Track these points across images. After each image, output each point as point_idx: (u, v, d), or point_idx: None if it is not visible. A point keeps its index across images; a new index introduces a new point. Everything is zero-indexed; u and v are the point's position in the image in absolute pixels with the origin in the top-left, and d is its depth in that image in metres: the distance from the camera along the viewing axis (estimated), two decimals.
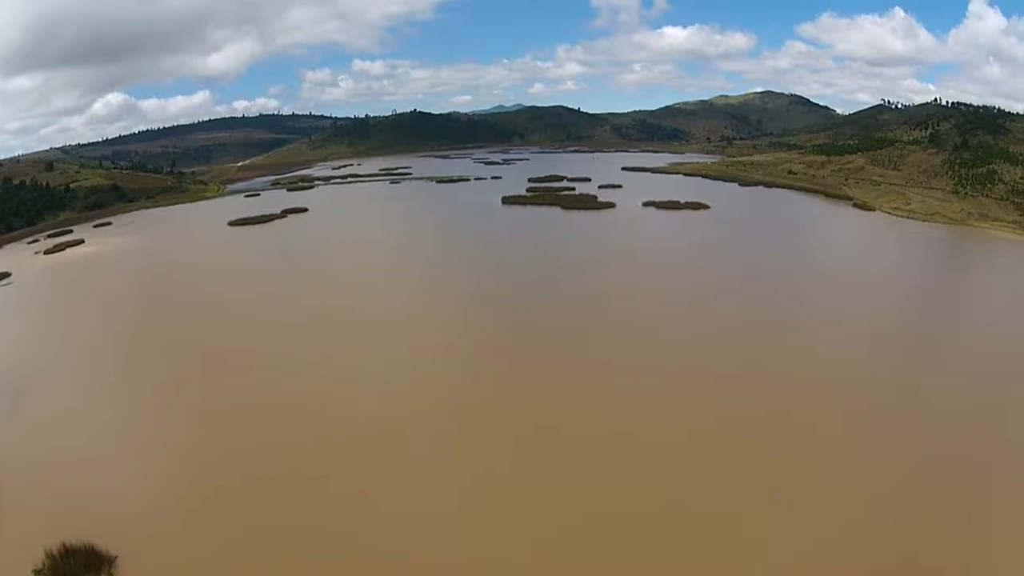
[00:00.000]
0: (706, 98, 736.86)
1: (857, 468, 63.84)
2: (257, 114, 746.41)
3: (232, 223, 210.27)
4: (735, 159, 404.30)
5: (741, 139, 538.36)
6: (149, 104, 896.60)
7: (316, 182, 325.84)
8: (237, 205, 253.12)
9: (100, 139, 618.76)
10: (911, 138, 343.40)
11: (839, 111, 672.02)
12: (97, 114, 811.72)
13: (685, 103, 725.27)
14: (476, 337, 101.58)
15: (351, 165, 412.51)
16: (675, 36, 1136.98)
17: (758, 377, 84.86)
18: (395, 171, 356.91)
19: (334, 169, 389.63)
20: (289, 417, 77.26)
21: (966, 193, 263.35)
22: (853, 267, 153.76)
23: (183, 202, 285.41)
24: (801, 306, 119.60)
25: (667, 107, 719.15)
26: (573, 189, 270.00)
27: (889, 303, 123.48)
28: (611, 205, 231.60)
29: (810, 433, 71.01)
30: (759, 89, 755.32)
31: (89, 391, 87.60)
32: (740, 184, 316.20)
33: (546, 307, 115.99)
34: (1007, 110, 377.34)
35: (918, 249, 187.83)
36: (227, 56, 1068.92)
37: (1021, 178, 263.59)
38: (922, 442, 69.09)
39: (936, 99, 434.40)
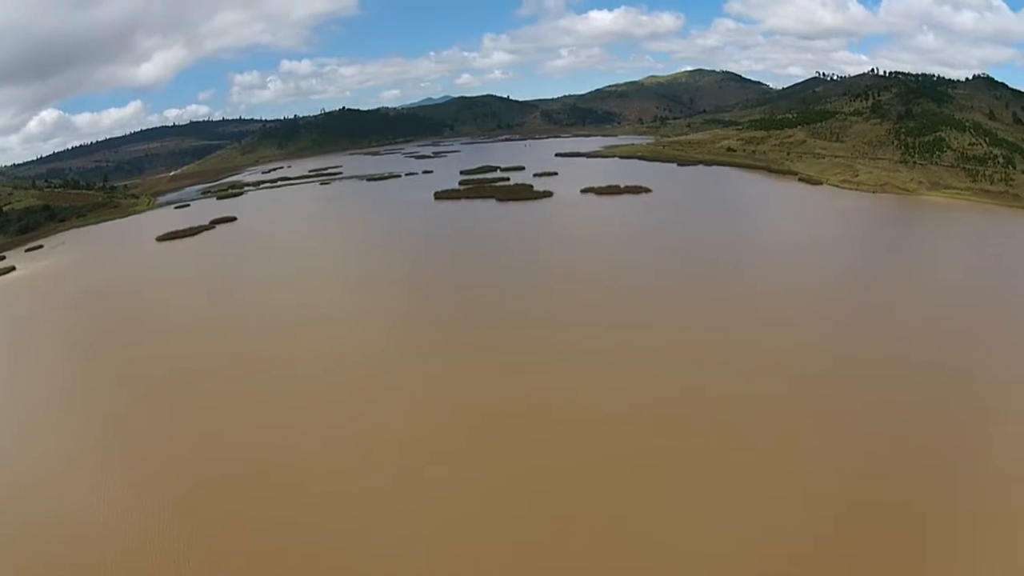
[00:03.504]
0: (636, 79, 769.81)
1: (807, 432, 73.24)
2: (188, 121, 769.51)
3: (160, 238, 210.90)
4: (670, 139, 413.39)
5: (674, 118, 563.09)
6: (83, 118, 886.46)
7: (246, 188, 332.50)
8: (167, 218, 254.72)
9: (35, 158, 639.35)
10: (852, 109, 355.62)
11: (772, 86, 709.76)
12: (32, 132, 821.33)
13: (615, 85, 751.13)
14: (414, 338, 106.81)
15: (281, 168, 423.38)
16: (602, 19, 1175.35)
17: (702, 354, 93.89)
18: (325, 171, 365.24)
19: (264, 173, 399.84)
20: (233, 422, 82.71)
21: (915, 162, 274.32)
22: (803, 241, 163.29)
23: (115, 218, 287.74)
24: (757, 284, 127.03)
25: (597, 90, 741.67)
26: (507, 179, 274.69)
27: (838, 275, 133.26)
28: (548, 194, 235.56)
29: (762, 404, 78.95)
30: (689, 68, 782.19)
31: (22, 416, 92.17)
32: (679, 164, 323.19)
33: (488, 305, 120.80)
34: (946, 77, 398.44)
35: (869, 220, 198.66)
36: (157, 64, 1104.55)
37: (969, 144, 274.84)
38: (858, 399, 79.83)
39: (872, 70, 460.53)
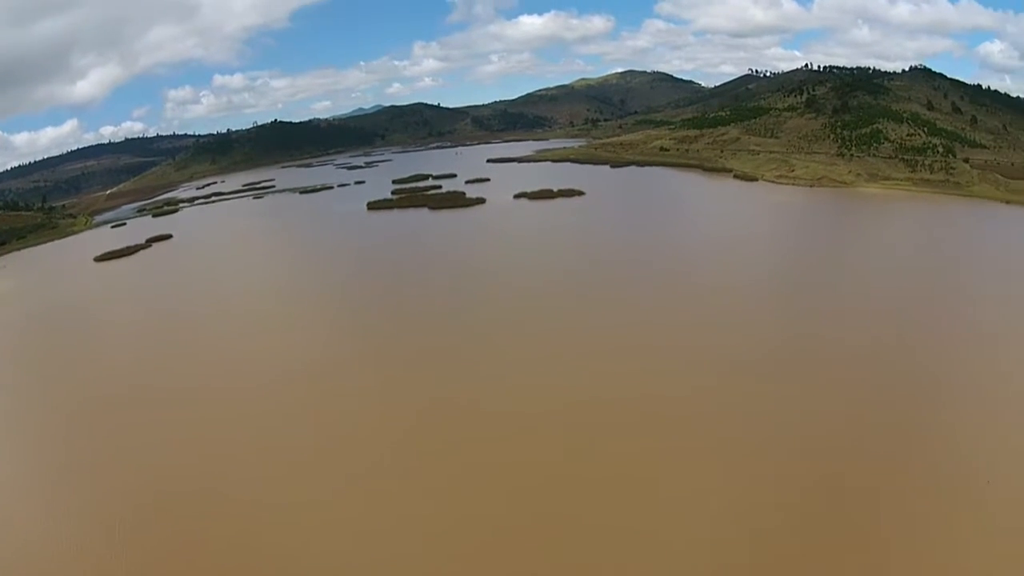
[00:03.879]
0: (566, 83, 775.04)
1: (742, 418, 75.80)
2: (123, 139, 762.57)
3: (98, 259, 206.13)
4: (602, 141, 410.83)
5: (606, 120, 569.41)
6: (21, 138, 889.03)
7: (181, 204, 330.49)
8: (104, 238, 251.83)
9: None
10: (786, 105, 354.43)
11: (704, 85, 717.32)
12: None
13: (546, 89, 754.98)
14: (353, 347, 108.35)
15: (215, 183, 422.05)
16: (532, 24, 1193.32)
17: (632, 350, 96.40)
18: (258, 185, 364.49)
19: (199, 189, 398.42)
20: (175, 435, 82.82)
21: (852, 155, 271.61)
22: (737, 237, 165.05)
23: (54, 239, 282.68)
24: (692, 282, 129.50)
25: (527, 95, 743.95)
26: (440, 187, 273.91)
27: (773, 269, 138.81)
28: (481, 201, 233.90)
29: (698, 399, 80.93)
30: (620, 70, 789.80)
31: None
32: (612, 166, 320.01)
33: (422, 313, 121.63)
34: (882, 70, 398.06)
35: (803, 213, 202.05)
36: (92, 82, 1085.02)
37: (908, 135, 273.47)
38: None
39: (806, 65, 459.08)
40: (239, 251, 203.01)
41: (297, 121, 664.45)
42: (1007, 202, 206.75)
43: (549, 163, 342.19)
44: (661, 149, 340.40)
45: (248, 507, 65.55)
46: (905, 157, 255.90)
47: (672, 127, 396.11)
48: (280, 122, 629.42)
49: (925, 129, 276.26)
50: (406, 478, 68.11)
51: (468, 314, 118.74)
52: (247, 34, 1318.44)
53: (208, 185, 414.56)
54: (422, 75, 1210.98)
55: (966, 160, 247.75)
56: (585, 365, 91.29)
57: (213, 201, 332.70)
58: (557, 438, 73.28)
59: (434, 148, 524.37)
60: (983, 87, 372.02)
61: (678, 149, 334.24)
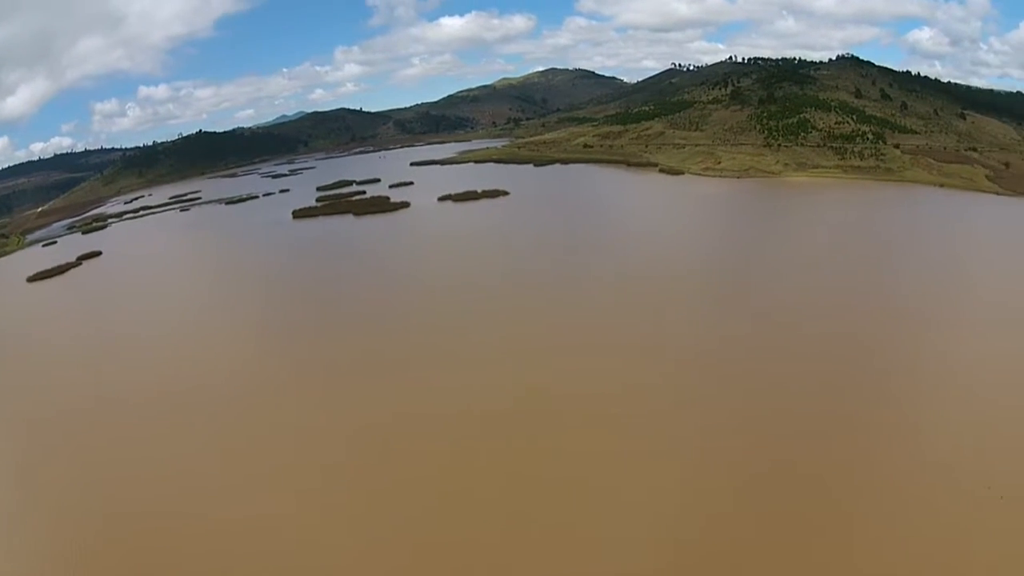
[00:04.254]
0: (488, 83, 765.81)
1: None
2: (52, 155, 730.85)
3: (31, 279, 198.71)
4: (525, 140, 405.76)
5: (528, 119, 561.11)
6: None
7: (110, 220, 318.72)
8: (36, 257, 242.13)
9: None
10: (711, 97, 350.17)
11: (627, 80, 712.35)
12: None
13: (468, 90, 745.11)
14: (285, 358, 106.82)
15: (143, 196, 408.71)
16: (453, 25, 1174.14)
17: (552, 344, 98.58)
18: (185, 197, 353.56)
19: (126, 203, 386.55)
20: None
21: (779, 145, 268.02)
22: (661, 231, 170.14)
23: None
24: (617, 276, 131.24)
25: (450, 97, 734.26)
26: (364, 193, 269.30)
27: (698, 260, 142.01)
28: (405, 205, 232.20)
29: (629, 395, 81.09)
30: (541, 68, 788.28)
31: None
32: (535, 164, 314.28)
33: (357, 325, 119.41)
34: (808, 60, 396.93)
35: (724, 204, 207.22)
36: (21, 98, 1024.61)
37: (836, 123, 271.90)
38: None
39: (730, 57, 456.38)
40: (169, 265, 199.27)
41: (222, 131, 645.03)
42: (941, 185, 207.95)
43: (472, 164, 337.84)
44: (585, 146, 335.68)
45: (209, 523, 64.52)
46: (834, 145, 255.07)
47: (595, 124, 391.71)
48: (205, 132, 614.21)
49: (854, 117, 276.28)
50: (358, 486, 68.10)
51: (401, 320, 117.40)
52: (172, 44, 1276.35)
53: (136, 199, 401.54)
54: (344, 80, 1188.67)
55: (897, 146, 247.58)
56: (528, 364, 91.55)
57: (141, 215, 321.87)
58: (507, 437, 73.63)
59: (357, 153, 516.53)
60: (913, 73, 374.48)
61: (602, 145, 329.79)
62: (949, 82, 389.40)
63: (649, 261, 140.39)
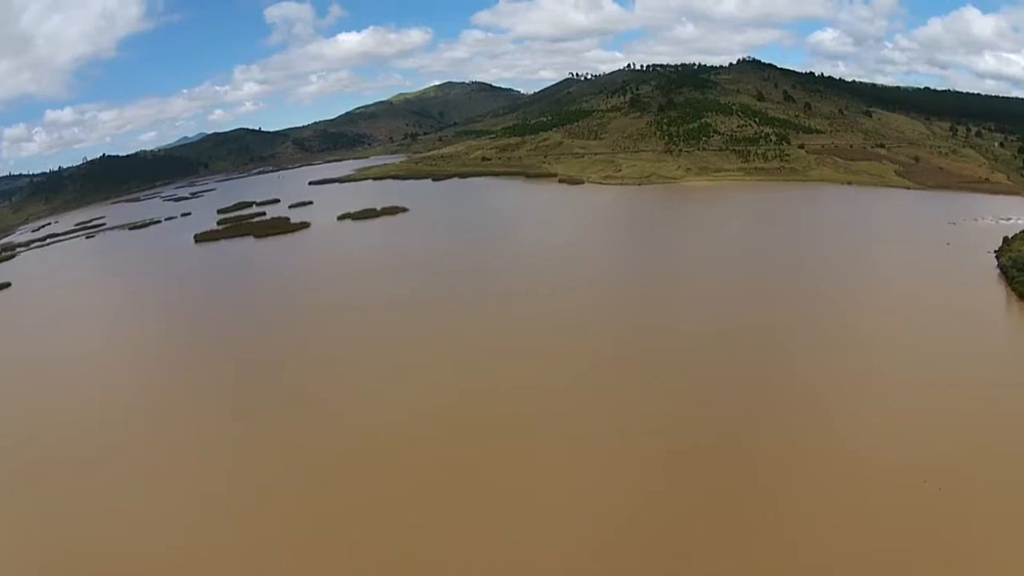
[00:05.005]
0: (385, 98, 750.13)
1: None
2: None
3: None
4: (423, 155, 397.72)
5: (425, 134, 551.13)
6: None
7: (18, 249, 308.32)
8: None
9: None
10: (610, 106, 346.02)
11: (524, 92, 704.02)
12: None
13: (365, 107, 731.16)
14: (198, 388, 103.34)
15: (49, 224, 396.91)
16: (350, 41, 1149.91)
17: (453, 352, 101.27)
18: (90, 224, 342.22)
19: (34, 232, 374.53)
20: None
21: (680, 150, 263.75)
22: (556, 240, 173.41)
23: None
24: (519, 288, 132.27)
25: (347, 114, 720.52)
26: (264, 214, 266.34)
27: (596, 268, 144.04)
28: (305, 225, 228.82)
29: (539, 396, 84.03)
30: (438, 82, 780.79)
31: None
32: (434, 179, 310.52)
33: (263, 348, 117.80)
34: (708, 64, 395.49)
35: (617, 212, 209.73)
36: None
37: (738, 127, 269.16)
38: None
39: (629, 65, 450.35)
40: (77, 294, 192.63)
41: (125, 154, 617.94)
42: (849, 183, 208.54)
43: (371, 181, 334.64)
44: (483, 159, 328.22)
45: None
46: (737, 148, 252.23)
47: (493, 136, 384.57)
48: (109, 156, 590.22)
49: (756, 119, 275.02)
50: (269, 509, 67.89)
51: (307, 339, 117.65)
52: (77, 65, 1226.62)
53: (43, 227, 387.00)
54: (243, 99, 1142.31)
55: (802, 146, 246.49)
56: (436, 376, 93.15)
57: (48, 244, 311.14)
58: (413, 448, 74.84)
59: (256, 174, 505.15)
60: (816, 74, 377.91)
61: (500, 158, 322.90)
62: (854, 81, 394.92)
63: (547, 271, 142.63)
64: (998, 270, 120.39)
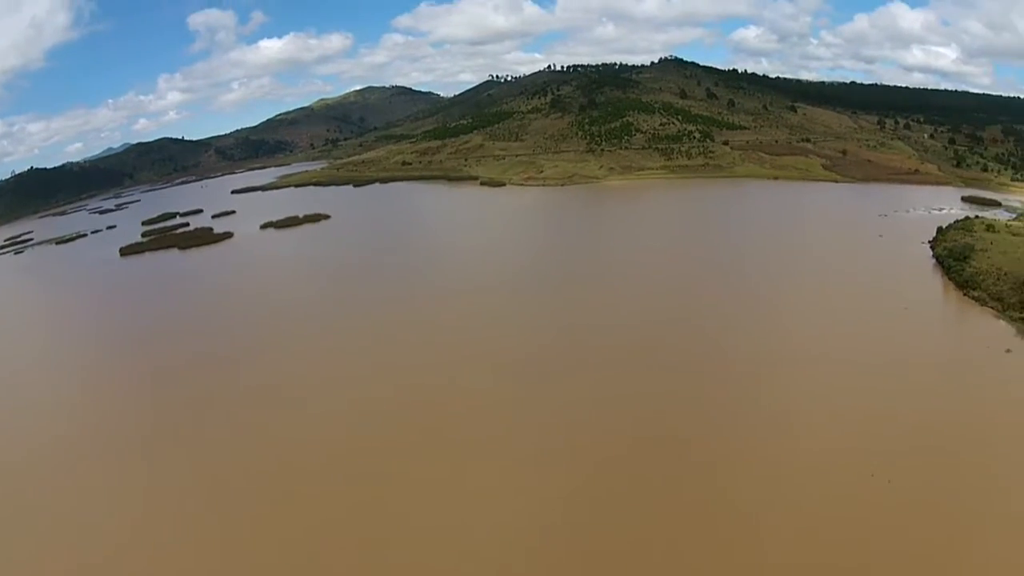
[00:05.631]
0: (306, 104, 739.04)
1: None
2: None
3: None
4: (344, 160, 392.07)
5: (346, 139, 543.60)
6: None
7: None
8: None
9: None
10: (530, 107, 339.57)
11: (444, 95, 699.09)
12: None
13: (286, 113, 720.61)
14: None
15: None
16: (271, 48, 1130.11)
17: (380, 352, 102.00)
18: (18, 239, 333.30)
19: None
20: None
21: (602, 150, 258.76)
22: (477, 243, 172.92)
23: None
24: (436, 291, 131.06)
25: (268, 120, 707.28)
26: (188, 225, 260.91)
27: (513, 271, 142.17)
28: (228, 235, 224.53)
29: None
30: (358, 87, 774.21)
31: None
32: (355, 185, 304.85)
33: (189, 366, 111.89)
34: (630, 64, 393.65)
35: (537, 214, 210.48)
36: None
37: (661, 125, 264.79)
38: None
39: (549, 66, 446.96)
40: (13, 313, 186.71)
41: (52, 167, 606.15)
42: (775, 178, 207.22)
43: (293, 188, 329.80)
44: (404, 164, 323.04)
45: None
46: (660, 147, 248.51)
47: (413, 140, 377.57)
48: (37, 169, 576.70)
49: (679, 117, 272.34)
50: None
51: (222, 353, 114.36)
52: (5, 77, 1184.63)
53: None
54: (167, 109, 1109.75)
55: (726, 143, 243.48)
56: (358, 384, 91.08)
57: None
58: (350, 447, 74.44)
59: (180, 184, 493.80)
60: (739, 71, 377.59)
61: (421, 162, 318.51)
62: (778, 77, 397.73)
63: (467, 275, 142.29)
64: (934, 260, 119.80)
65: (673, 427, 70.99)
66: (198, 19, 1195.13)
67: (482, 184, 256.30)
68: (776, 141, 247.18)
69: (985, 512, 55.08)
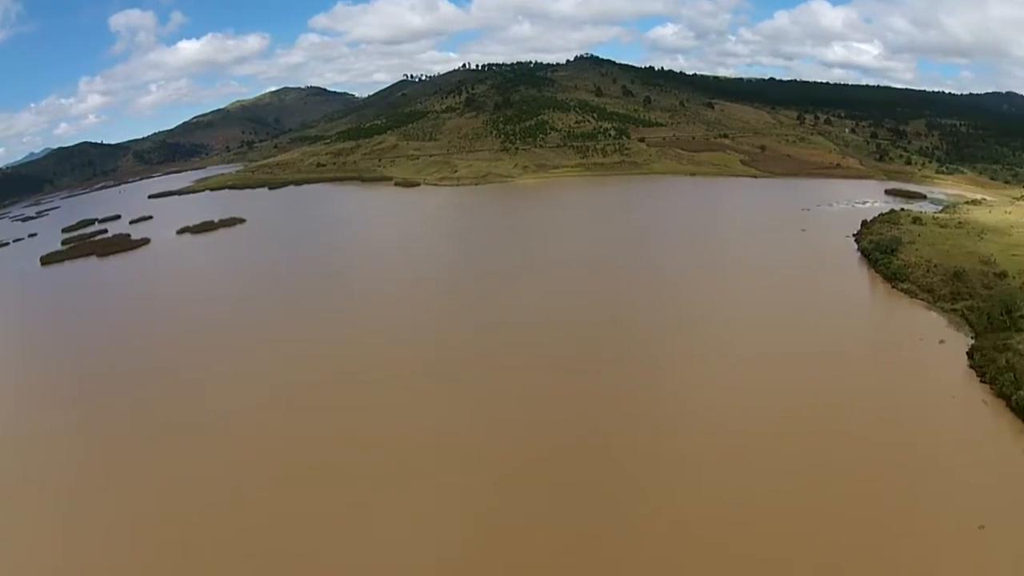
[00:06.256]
0: (222, 106, 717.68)
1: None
2: None
3: None
4: (259, 163, 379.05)
5: (261, 141, 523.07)
6: None
7: None
8: None
9: None
10: (444, 106, 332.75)
11: (358, 95, 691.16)
12: None
13: (202, 116, 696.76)
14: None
15: None
16: (189, 49, 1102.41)
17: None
18: None
19: None
20: None
21: (517, 148, 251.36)
22: (387, 245, 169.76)
23: None
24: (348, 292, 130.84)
25: (185, 123, 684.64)
26: (106, 231, 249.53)
27: (417, 272, 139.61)
28: (146, 241, 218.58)
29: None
30: (274, 88, 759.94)
31: None
32: (270, 188, 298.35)
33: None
34: (545, 62, 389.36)
35: (448, 215, 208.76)
36: None
37: (576, 123, 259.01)
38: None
39: (464, 65, 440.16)
40: None
41: None
42: (692, 174, 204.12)
43: (208, 192, 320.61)
44: (318, 165, 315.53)
45: None
46: (575, 144, 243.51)
47: (328, 141, 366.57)
48: None
49: (595, 115, 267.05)
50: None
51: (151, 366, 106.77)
52: None
53: None
54: (87, 112, 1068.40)
55: (642, 140, 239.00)
56: (291, 385, 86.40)
57: None
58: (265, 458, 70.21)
59: (99, 189, 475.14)
60: (655, 69, 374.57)
61: (335, 163, 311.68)
62: (695, 74, 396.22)
63: (379, 277, 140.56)
64: (859, 254, 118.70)
65: (589, 426, 68.24)
66: (119, 20, 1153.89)
67: (396, 185, 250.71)
68: (693, 137, 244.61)
69: (911, 503, 53.78)
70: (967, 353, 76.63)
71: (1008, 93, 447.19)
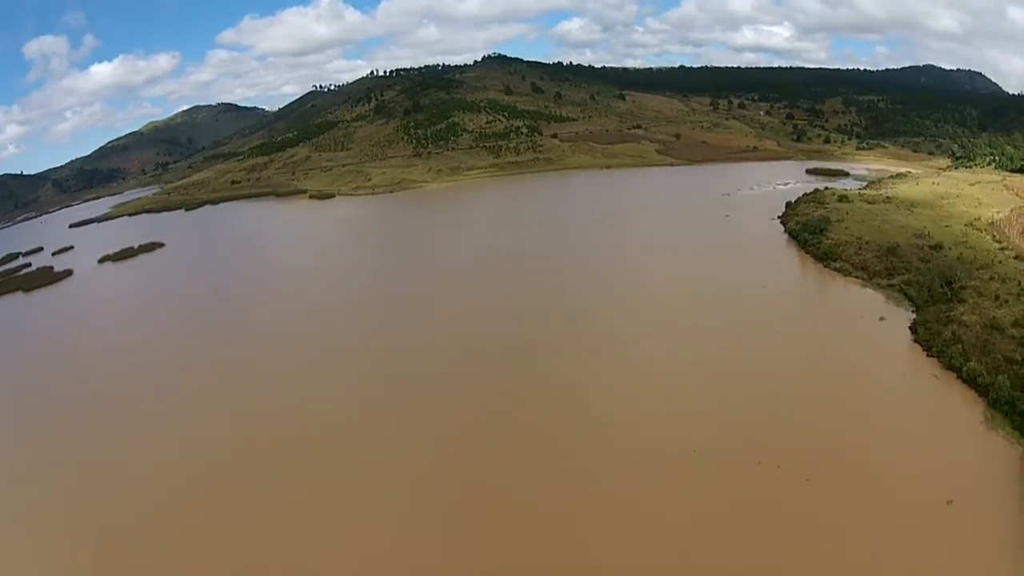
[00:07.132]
0: (136, 129, 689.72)
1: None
2: None
3: None
4: (175, 184, 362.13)
5: (176, 162, 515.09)
6: None
7: None
8: None
9: None
10: (354, 115, 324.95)
11: (268, 109, 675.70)
12: None
13: (117, 139, 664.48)
14: None
15: None
16: (102, 72, 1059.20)
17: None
18: None
19: None
20: None
21: (429, 152, 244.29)
22: (298, 263, 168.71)
23: None
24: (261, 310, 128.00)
25: (100, 148, 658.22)
26: (30, 265, 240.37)
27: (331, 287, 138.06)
28: (69, 273, 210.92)
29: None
30: (185, 107, 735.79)
31: None
32: (186, 209, 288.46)
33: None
34: (452, 64, 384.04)
35: (352, 225, 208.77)
36: None
37: (487, 123, 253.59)
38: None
39: (372, 72, 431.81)
40: None
41: None
42: (607, 167, 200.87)
43: (127, 217, 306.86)
44: (233, 182, 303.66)
45: None
46: (487, 144, 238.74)
47: (241, 158, 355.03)
48: None
49: (506, 114, 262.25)
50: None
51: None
52: None
53: None
54: (6, 143, 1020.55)
55: (554, 135, 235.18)
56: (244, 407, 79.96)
57: None
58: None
59: (21, 221, 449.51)
60: (564, 64, 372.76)
61: (249, 179, 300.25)
62: (604, 67, 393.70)
63: (294, 296, 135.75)
64: (787, 236, 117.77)
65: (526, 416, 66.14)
66: (33, 47, 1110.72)
67: (311, 197, 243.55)
68: (607, 130, 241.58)
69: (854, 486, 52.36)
70: (910, 328, 75.96)
71: (926, 66, 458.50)
